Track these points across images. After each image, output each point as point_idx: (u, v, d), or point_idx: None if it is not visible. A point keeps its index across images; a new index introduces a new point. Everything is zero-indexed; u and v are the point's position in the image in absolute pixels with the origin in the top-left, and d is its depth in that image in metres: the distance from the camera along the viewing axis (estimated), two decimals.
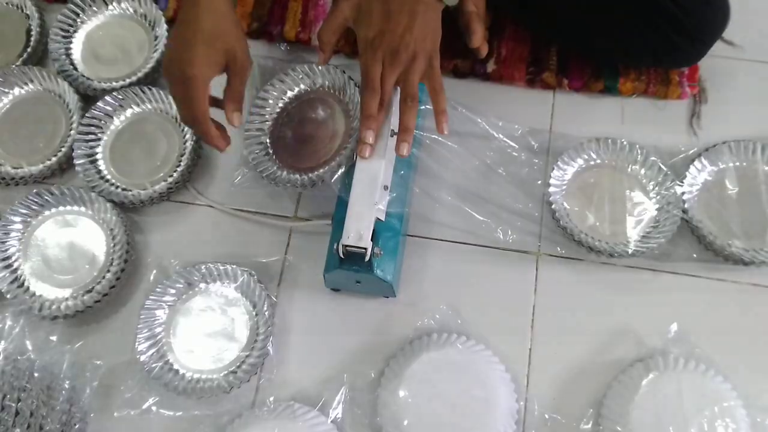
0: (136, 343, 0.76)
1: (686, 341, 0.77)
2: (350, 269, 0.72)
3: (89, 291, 0.80)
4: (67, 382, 0.71)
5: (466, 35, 0.86)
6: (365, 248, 0.69)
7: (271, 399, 0.76)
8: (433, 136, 0.85)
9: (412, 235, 0.85)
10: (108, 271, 0.81)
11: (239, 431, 0.73)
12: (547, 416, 0.75)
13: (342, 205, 0.74)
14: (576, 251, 0.83)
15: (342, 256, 0.70)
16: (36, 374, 0.66)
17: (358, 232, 0.69)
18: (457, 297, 0.81)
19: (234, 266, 0.79)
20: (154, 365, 0.75)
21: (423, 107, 0.81)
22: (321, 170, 0.80)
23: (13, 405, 0.59)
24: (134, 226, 0.86)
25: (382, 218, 0.73)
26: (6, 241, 0.82)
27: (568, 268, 0.83)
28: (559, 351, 0.79)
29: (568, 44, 0.91)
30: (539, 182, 0.85)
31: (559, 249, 0.83)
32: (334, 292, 0.82)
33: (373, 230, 0.70)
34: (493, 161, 0.87)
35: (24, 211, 0.83)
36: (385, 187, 0.74)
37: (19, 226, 0.83)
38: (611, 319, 0.80)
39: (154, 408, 0.75)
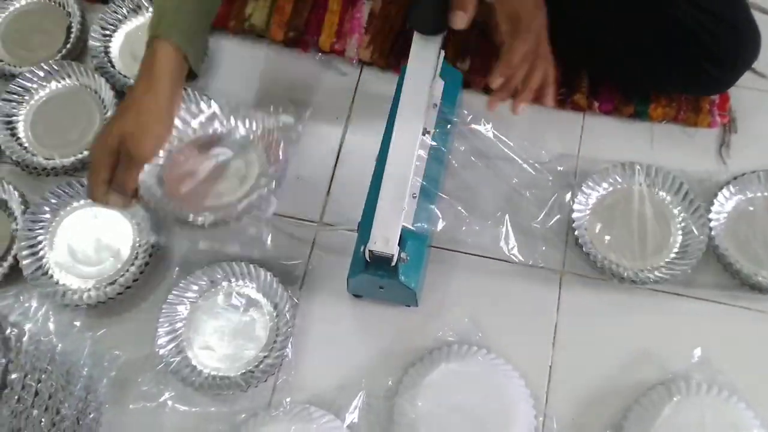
0: (156, 337, 0.77)
1: (709, 366, 0.76)
2: (375, 274, 0.73)
3: (112, 283, 0.81)
4: (86, 369, 0.71)
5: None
6: (392, 254, 0.69)
7: (288, 400, 0.76)
8: (462, 153, 0.86)
9: (437, 247, 0.85)
10: (132, 264, 0.82)
11: (254, 430, 0.73)
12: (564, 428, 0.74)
13: (369, 211, 0.74)
14: (600, 274, 0.82)
15: (368, 260, 0.70)
16: (57, 358, 0.66)
17: (384, 237, 0.69)
18: (479, 310, 0.81)
19: (257, 266, 0.79)
20: (172, 360, 0.75)
21: (453, 125, 0.82)
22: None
23: (33, 385, 0.59)
24: (160, 222, 0.86)
25: (409, 225, 0.73)
26: (34, 230, 0.83)
27: (592, 288, 0.83)
28: (579, 370, 0.78)
29: (599, 68, 0.92)
30: (564, 205, 0.85)
31: (582, 270, 0.83)
32: (355, 298, 0.83)
33: (400, 236, 0.71)
34: (519, 183, 0.87)
35: (53, 201, 0.85)
36: (413, 195, 0.75)
37: (48, 216, 0.84)
38: (633, 341, 0.79)
39: (169, 402, 0.75)
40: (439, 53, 0.73)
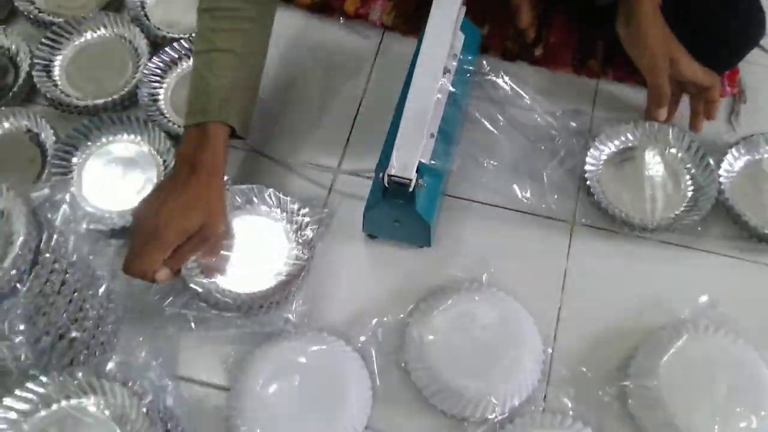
0: None
1: (716, 312, 0.77)
2: (392, 203, 0.75)
3: None
4: (105, 284, 0.72)
5: (516, 17, 0.91)
6: (410, 179, 0.71)
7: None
8: (479, 102, 0.89)
9: (451, 196, 0.87)
10: None
11: (268, 351, 0.74)
12: (572, 369, 0.75)
13: (389, 147, 0.76)
14: (610, 224, 0.84)
15: (386, 187, 0.73)
16: (83, 260, 0.68)
17: (403, 164, 0.71)
18: (490, 254, 0.83)
19: (283, 195, 0.81)
20: (193, 280, 0.75)
21: (471, 74, 0.85)
22: None
23: (62, 274, 0.61)
24: None
25: (426, 161, 0.76)
26: (64, 159, 0.85)
27: (602, 239, 0.84)
28: (587, 313, 0.79)
29: (611, 37, 0.95)
30: (577, 158, 0.88)
31: (593, 221, 0.85)
32: (370, 239, 0.84)
33: (417, 168, 0.73)
34: (534, 135, 0.90)
35: (86, 133, 0.87)
36: (432, 135, 0.77)
37: (78, 149, 0.87)
38: (642, 288, 0.81)
39: (187, 324, 0.76)
40: (461, 3, 0.77)
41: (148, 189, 0.85)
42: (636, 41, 0.84)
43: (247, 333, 0.77)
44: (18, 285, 0.56)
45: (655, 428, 0.71)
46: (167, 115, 0.92)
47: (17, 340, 0.56)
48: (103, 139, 0.88)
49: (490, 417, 0.71)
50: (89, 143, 0.88)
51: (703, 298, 0.78)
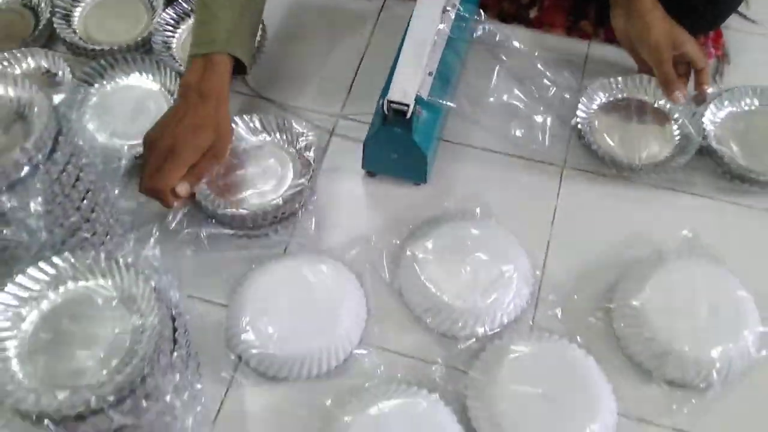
0: None
1: (698, 244, 0.80)
2: (391, 130, 0.78)
3: None
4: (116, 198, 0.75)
5: None
6: (408, 104, 0.74)
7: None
8: (475, 49, 0.93)
9: (447, 141, 0.90)
10: None
11: (269, 266, 0.77)
12: (560, 295, 0.78)
13: (389, 84, 0.80)
14: (599, 167, 0.87)
15: (386, 113, 0.76)
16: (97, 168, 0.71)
17: (402, 90, 0.75)
18: (483, 192, 0.86)
19: (287, 121, 0.84)
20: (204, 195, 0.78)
21: (468, 22, 0.89)
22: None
23: (77, 170, 0.64)
24: None
25: (424, 96, 0.79)
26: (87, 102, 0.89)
27: (591, 181, 0.88)
28: (575, 245, 0.82)
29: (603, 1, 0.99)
30: (569, 106, 0.91)
31: (583, 165, 0.88)
32: (369, 177, 0.88)
33: (416, 102, 0.76)
34: (528, 82, 0.94)
35: (101, 72, 0.91)
36: (430, 74, 0.81)
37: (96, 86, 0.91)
38: (628, 226, 0.84)
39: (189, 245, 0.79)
40: None
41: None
42: (639, 36, 0.85)
43: (253, 254, 0.80)
44: (40, 167, 0.59)
45: (639, 346, 0.73)
46: (179, 61, 0.96)
47: (34, 220, 0.59)
48: (117, 79, 0.92)
49: (479, 331, 0.74)
50: (104, 81, 0.92)
51: (686, 233, 0.81)
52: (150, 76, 0.92)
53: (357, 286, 0.77)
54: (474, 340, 0.74)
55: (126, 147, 0.86)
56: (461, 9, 0.87)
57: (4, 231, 0.58)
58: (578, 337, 0.74)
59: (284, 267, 0.77)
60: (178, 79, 0.91)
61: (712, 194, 0.86)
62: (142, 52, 0.97)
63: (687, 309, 0.73)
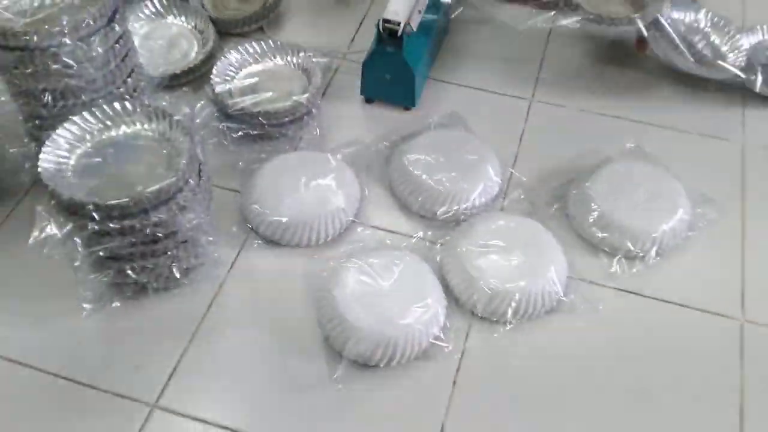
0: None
1: (642, 153, 0.92)
2: (385, 50, 0.92)
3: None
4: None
5: None
6: (400, 21, 0.88)
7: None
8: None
9: (435, 79, 1.04)
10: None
11: (278, 156, 0.90)
12: (526, 191, 0.90)
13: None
14: (563, 100, 1.01)
15: (381, 32, 0.90)
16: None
17: (395, 10, 0.89)
18: (463, 114, 0.98)
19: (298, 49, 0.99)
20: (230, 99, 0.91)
21: None
22: None
23: (125, 50, 0.77)
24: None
25: (414, 27, 0.93)
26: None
27: (555, 112, 1.01)
28: (539, 157, 0.95)
29: None
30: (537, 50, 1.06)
31: (547, 99, 1.01)
32: (367, 103, 1.00)
33: (403, 27, 0.90)
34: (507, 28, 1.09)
35: (141, 16, 1.05)
36: (419, 12, 0.96)
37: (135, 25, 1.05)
38: (583, 144, 0.96)
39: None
40: None
41: (191, 55, 1.02)
42: None
43: (266, 149, 0.92)
44: (100, 30, 0.72)
45: (588, 224, 0.84)
46: (207, 9, 1.10)
47: (93, 70, 0.72)
48: (154, 20, 1.07)
49: (455, 209, 0.85)
50: (143, 22, 1.06)
51: (630, 145, 0.94)
52: (183, 18, 1.07)
53: (352, 175, 0.89)
54: (451, 214, 0.85)
55: (160, 69, 0.99)
56: None
57: (71, 67, 0.70)
58: (539, 219, 0.85)
59: (292, 157, 0.90)
60: (209, 21, 1.05)
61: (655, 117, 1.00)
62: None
63: (628, 194, 0.85)
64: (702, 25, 1.07)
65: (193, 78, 1.00)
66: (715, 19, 1.07)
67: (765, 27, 1.07)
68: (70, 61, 0.70)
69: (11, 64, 0.71)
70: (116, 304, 0.77)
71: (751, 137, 0.98)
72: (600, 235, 0.83)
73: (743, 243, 0.86)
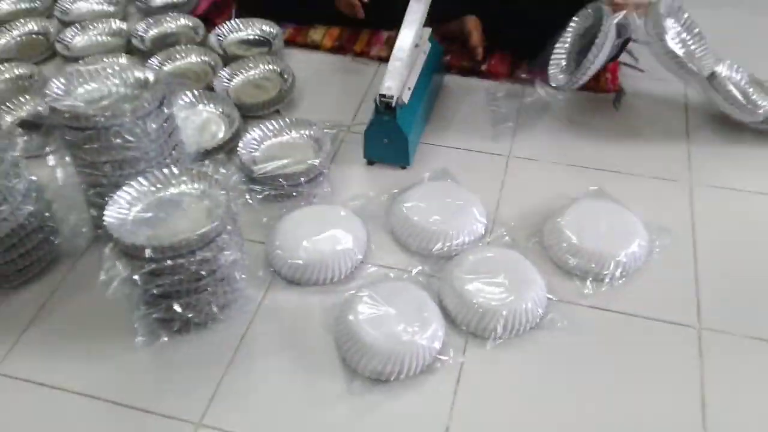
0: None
1: (603, 194, 1.06)
2: (381, 117, 1.07)
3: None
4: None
5: (469, 38, 1.30)
6: (393, 95, 1.04)
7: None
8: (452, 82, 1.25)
9: (425, 143, 1.19)
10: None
11: (296, 210, 1.03)
12: (508, 229, 1.03)
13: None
14: (541, 155, 1.15)
15: (377, 105, 1.05)
16: None
17: (389, 87, 1.05)
18: (450, 170, 1.13)
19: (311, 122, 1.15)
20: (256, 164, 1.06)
21: (438, 71, 1.21)
22: None
23: (171, 129, 0.92)
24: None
25: (405, 101, 1.09)
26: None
27: (531, 166, 1.15)
28: (517, 202, 1.08)
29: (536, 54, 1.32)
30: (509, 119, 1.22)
31: (524, 154, 1.16)
32: (369, 165, 1.15)
33: (398, 103, 1.06)
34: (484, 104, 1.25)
35: (180, 103, 1.22)
36: (409, 89, 1.12)
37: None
38: (554, 189, 1.09)
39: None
40: (426, 6, 1.16)
41: (219, 135, 1.18)
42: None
43: (285, 206, 1.06)
44: (153, 113, 0.87)
45: (562, 252, 0.97)
46: (232, 98, 1.27)
47: (148, 143, 0.87)
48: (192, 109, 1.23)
49: (447, 245, 0.98)
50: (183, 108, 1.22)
51: (593, 188, 1.08)
52: (212, 105, 1.24)
53: (359, 222, 1.02)
54: (444, 250, 0.98)
55: (194, 147, 1.15)
56: (430, 54, 1.20)
57: (132, 143, 0.85)
58: (519, 251, 0.98)
59: (308, 210, 1.03)
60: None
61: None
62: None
63: (593, 226, 0.98)
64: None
65: (222, 152, 1.15)
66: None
67: None
68: (130, 137, 0.85)
69: (81, 142, 0.86)
70: (164, 338, 0.88)
71: (697, 176, 1.12)
72: (572, 261, 0.95)
73: (695, 263, 0.98)
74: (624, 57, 1.27)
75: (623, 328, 0.91)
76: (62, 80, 0.90)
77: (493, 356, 0.87)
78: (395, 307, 0.88)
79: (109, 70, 0.92)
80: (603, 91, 1.29)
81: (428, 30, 1.22)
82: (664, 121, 1.23)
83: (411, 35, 1.12)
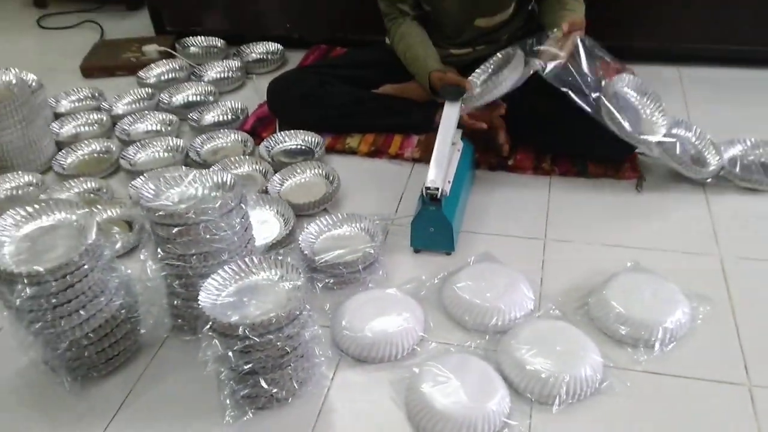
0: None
1: (640, 268, 1.13)
2: (428, 207, 1.17)
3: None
4: None
5: (496, 136, 1.43)
6: (437, 187, 1.15)
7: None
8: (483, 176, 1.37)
9: (465, 231, 1.28)
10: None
11: (356, 294, 1.10)
12: (555, 301, 1.10)
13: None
14: (577, 235, 1.24)
15: (424, 196, 1.16)
16: None
17: (434, 180, 1.17)
18: (492, 252, 1.21)
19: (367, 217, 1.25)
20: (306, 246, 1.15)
21: (472, 165, 1.34)
22: None
23: (247, 223, 1.02)
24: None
25: (447, 192, 1.20)
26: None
27: (567, 246, 1.23)
28: (560, 281, 1.15)
29: (557, 150, 1.45)
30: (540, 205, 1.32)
31: (560, 235, 1.25)
32: (416, 253, 1.24)
33: (441, 194, 1.17)
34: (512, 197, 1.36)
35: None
36: (449, 182, 1.23)
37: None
38: (591, 269, 1.17)
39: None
40: (459, 109, 1.30)
41: (277, 231, 1.27)
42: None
43: (344, 292, 1.14)
44: (233, 210, 0.97)
45: (611, 322, 1.03)
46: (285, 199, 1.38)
47: (232, 235, 0.96)
48: None
49: (500, 323, 1.04)
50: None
51: (629, 263, 1.15)
52: (268, 207, 1.34)
53: (415, 303, 1.09)
54: (498, 325, 1.04)
55: (261, 242, 1.24)
56: (464, 152, 1.32)
57: (219, 235, 0.94)
58: (568, 322, 1.04)
59: (367, 295, 1.10)
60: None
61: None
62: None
63: (638, 297, 1.05)
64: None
65: (281, 246, 1.24)
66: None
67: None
68: (217, 231, 0.94)
69: (172, 237, 0.95)
70: (250, 414, 0.92)
71: (725, 249, 1.20)
72: (622, 330, 1.01)
73: (737, 327, 1.04)
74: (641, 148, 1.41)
75: (678, 390, 0.95)
76: (152, 186, 1.01)
77: (560, 420, 0.91)
78: (461, 377, 0.93)
79: (191, 176, 1.04)
80: (625, 178, 1.41)
81: (460, 131, 1.36)
82: (685, 198, 1.33)
83: (449, 135, 1.25)
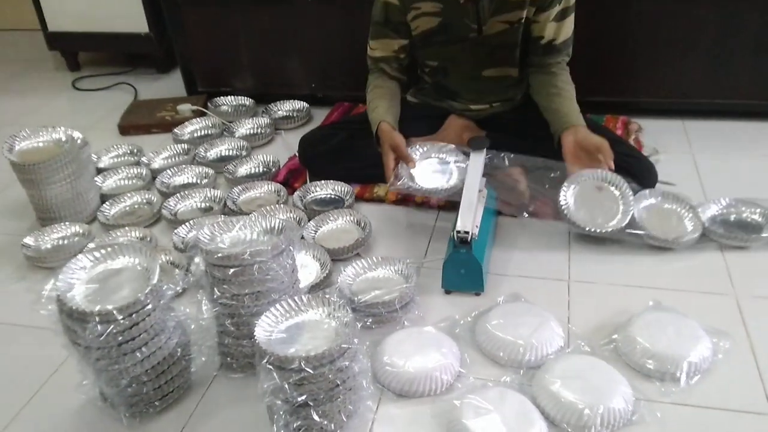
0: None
1: (661, 307, 1.19)
2: (458, 251, 1.24)
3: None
4: None
5: (517, 184, 1.52)
6: (468, 230, 1.22)
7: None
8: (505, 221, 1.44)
9: (492, 273, 1.35)
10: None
11: (394, 333, 1.15)
12: (583, 337, 1.14)
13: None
14: (599, 277, 1.30)
15: (455, 240, 1.23)
16: None
17: (464, 225, 1.24)
18: (521, 292, 1.27)
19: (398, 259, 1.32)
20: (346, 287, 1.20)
21: (493, 204, 1.41)
22: None
23: (294, 265, 1.08)
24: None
25: (476, 236, 1.27)
26: None
27: (591, 287, 1.29)
28: (586, 319, 1.21)
29: None
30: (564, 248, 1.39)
31: (583, 276, 1.31)
32: (447, 294, 1.29)
33: (471, 238, 1.24)
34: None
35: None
36: (477, 226, 1.30)
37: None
38: (616, 306, 1.23)
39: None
40: (484, 159, 1.38)
41: (315, 274, 1.34)
42: (585, 139, 1.45)
43: (382, 330, 1.19)
44: (284, 252, 1.04)
45: (638, 357, 1.08)
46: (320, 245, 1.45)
47: (284, 275, 1.02)
48: None
49: (533, 359, 1.09)
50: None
51: (651, 302, 1.21)
52: (305, 251, 1.41)
53: (450, 340, 1.15)
54: (531, 360, 1.09)
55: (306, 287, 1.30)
56: (488, 197, 1.40)
57: (270, 275, 1.01)
58: (598, 357, 1.09)
59: (405, 332, 1.16)
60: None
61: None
62: None
63: (661, 333, 1.10)
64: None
65: (320, 288, 1.31)
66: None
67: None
68: (269, 271, 1.01)
69: (228, 277, 1.01)
70: None
71: (740, 289, 1.26)
72: (650, 364, 1.06)
73: (756, 360, 1.09)
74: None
75: (706, 419, 0.99)
76: (207, 232, 1.08)
77: None
78: (500, 410, 0.97)
79: (242, 221, 1.11)
80: None
81: (484, 179, 1.44)
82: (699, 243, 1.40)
83: (476, 182, 1.33)
